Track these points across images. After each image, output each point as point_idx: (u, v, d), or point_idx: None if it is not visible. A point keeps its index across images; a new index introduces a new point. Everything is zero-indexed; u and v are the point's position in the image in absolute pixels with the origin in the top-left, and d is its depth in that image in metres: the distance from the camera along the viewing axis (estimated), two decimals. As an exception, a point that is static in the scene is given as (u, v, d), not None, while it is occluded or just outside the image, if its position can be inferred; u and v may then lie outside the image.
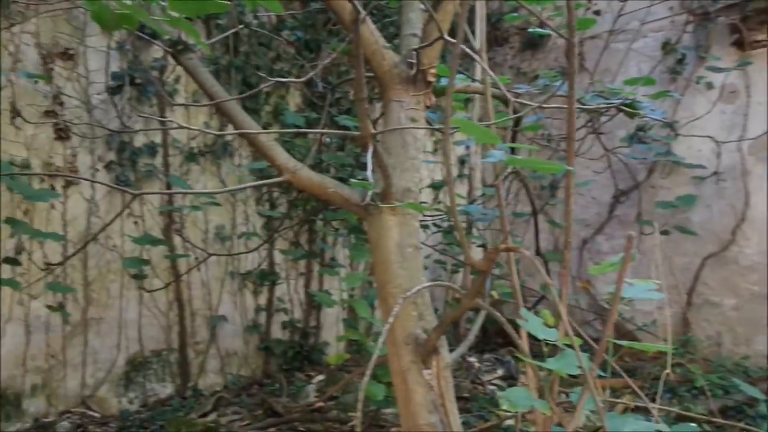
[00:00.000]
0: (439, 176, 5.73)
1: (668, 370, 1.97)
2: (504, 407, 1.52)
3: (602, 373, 1.61)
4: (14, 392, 3.77)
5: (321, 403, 3.85)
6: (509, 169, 1.70)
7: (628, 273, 1.43)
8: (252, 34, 4.59)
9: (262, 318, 4.86)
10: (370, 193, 1.97)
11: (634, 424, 1.50)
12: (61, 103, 3.87)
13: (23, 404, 3.80)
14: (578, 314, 5.25)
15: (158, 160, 4.28)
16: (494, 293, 3.07)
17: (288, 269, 5.01)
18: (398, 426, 3.48)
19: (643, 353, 3.93)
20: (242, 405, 4.14)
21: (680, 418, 3.11)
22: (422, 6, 2.49)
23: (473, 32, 3.10)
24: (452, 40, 1.88)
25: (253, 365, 4.82)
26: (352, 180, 2.01)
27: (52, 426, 3.73)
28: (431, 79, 2.34)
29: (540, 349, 1.68)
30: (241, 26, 3.91)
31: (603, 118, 4.42)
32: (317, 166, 3.71)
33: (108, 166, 4.06)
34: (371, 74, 2.32)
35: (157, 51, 4.21)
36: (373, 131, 1.86)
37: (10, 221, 2.34)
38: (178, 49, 2.54)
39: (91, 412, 3.98)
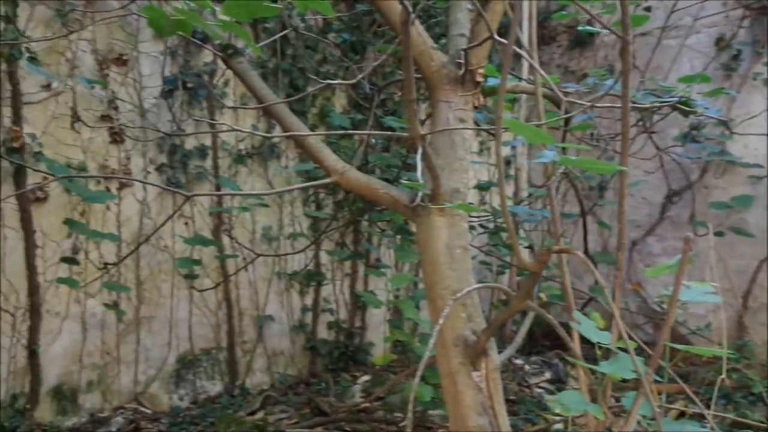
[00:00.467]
0: (484, 177, 5.70)
1: (723, 376, 1.91)
2: (556, 411, 1.50)
3: (658, 378, 1.58)
4: (71, 388, 3.89)
5: (367, 404, 3.86)
6: (561, 170, 1.68)
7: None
8: (298, 37, 4.64)
9: (308, 318, 4.91)
10: (420, 194, 1.97)
11: (689, 430, 1.47)
12: (116, 108, 3.98)
13: (79, 399, 3.92)
14: (628, 317, 5.15)
15: (208, 163, 4.37)
16: (542, 295, 3.03)
17: (334, 270, 5.05)
18: (445, 428, 3.47)
19: (696, 358, 3.83)
20: (289, 404, 4.19)
21: (736, 425, 3.02)
22: (470, 6, 2.48)
23: (514, 30, 3.07)
24: (503, 40, 1.86)
25: (299, 365, 4.86)
26: (403, 181, 2.01)
27: (106, 421, 3.84)
28: (480, 79, 2.32)
29: (589, 353, 1.65)
30: (288, 29, 3.95)
31: (655, 117, 4.31)
32: (363, 168, 3.72)
33: (159, 169, 4.15)
34: (418, 75, 2.32)
35: (207, 56, 4.30)
36: (422, 132, 1.86)
37: (69, 222, 2.42)
38: (228, 53, 2.58)
39: (143, 408, 4.09)
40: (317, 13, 4.55)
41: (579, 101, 2.29)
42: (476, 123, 2.85)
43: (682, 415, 3.24)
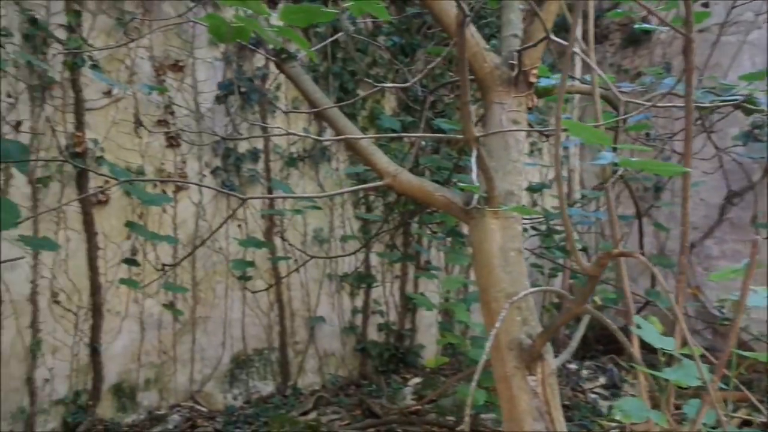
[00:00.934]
0: (535, 179, 5.62)
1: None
2: (616, 417, 1.47)
3: (722, 386, 1.53)
4: (129, 385, 4.01)
5: (419, 406, 3.86)
6: (620, 171, 1.65)
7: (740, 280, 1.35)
8: (349, 40, 4.67)
9: (359, 320, 4.94)
10: (476, 196, 1.96)
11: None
12: (173, 113, 4.08)
13: (138, 397, 4.04)
14: (686, 322, 4.99)
15: (260, 166, 4.44)
16: (597, 299, 2.98)
17: (384, 272, 5.06)
18: (498, 432, 3.44)
19: (760, 365, 3.69)
20: (341, 405, 4.22)
21: (803, 436, 2.90)
22: (522, 6, 2.45)
23: (575, 30, 3.02)
24: (561, 41, 1.84)
25: (350, 366, 4.89)
26: (460, 183, 2.00)
27: (164, 418, 3.94)
28: (533, 80, 2.30)
29: (645, 358, 1.61)
30: (340, 33, 3.98)
31: (715, 116, 4.18)
32: (413, 170, 3.73)
33: (214, 172, 4.24)
34: (471, 77, 2.30)
35: (259, 60, 4.38)
36: (476, 134, 1.85)
37: (130, 224, 2.49)
38: (282, 58, 2.62)
39: (198, 407, 4.17)
40: (369, 17, 4.58)
41: (638, 101, 2.24)
42: (529, 124, 2.82)
43: (745, 423, 3.14)
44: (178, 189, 4.14)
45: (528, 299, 2.01)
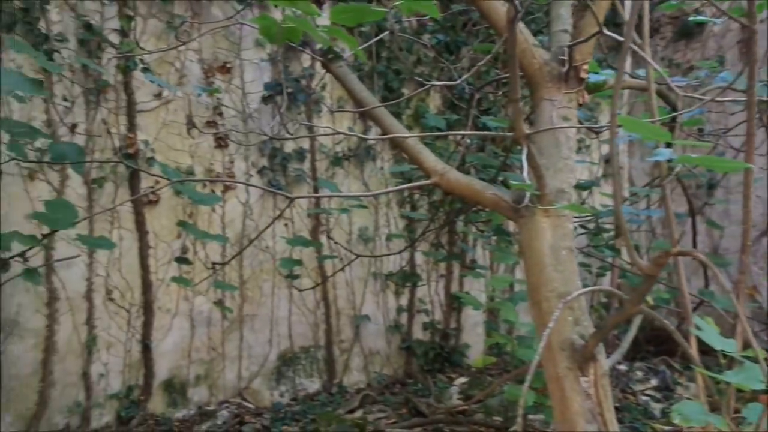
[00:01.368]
0: (583, 177, 5.53)
1: None
2: (675, 421, 1.42)
3: (786, 389, 1.47)
4: (180, 381, 4.09)
5: (465, 406, 3.84)
6: (678, 168, 1.60)
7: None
8: (393, 39, 4.67)
9: (404, 318, 4.93)
10: (528, 194, 1.94)
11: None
12: (221, 114, 4.15)
13: (188, 393, 4.12)
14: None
15: (306, 165, 4.48)
16: (649, 299, 2.91)
17: (429, 271, 5.05)
18: (547, 433, 3.39)
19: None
20: (387, 403, 4.22)
21: None
22: (572, 2, 2.41)
23: (632, 24, 2.95)
24: (614, 35, 1.80)
25: (395, 364, 4.90)
26: (512, 182, 1.98)
27: (213, 414, 4.01)
28: (584, 75, 2.26)
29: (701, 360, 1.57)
30: (385, 32, 3.99)
31: (772, 110, 4.03)
32: (460, 168, 3.70)
33: (261, 172, 4.30)
34: (519, 73, 2.27)
35: (305, 60, 4.41)
36: (526, 131, 1.82)
37: (182, 224, 2.54)
38: (329, 58, 2.64)
39: (246, 403, 4.23)
40: (415, 15, 4.57)
41: (695, 95, 2.18)
42: (579, 121, 2.77)
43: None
44: (227, 189, 4.20)
45: (580, 299, 1.98)
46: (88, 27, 3.67)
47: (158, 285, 3.99)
